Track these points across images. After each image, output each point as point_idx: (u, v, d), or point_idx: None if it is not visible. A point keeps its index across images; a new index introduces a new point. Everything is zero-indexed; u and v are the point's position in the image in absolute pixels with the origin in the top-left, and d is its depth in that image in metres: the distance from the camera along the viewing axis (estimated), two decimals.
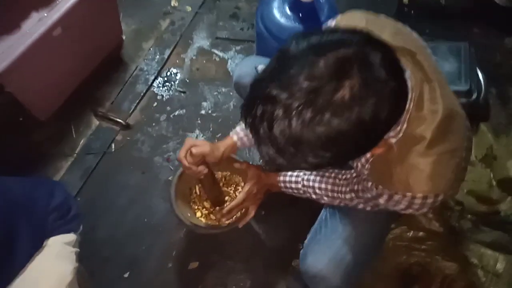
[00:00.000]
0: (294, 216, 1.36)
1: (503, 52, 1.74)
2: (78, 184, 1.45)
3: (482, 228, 1.28)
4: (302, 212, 1.37)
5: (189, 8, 1.86)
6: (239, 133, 1.04)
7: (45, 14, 1.32)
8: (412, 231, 1.22)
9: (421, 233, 1.21)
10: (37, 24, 1.29)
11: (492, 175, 1.40)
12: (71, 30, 1.38)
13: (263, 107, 0.53)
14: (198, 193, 1.31)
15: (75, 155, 1.51)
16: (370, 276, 1.12)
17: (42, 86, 1.44)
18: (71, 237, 0.93)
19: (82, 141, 1.54)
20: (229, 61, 1.73)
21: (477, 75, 1.51)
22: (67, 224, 0.93)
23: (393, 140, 0.67)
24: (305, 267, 0.94)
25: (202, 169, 1.01)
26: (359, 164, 0.79)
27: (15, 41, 1.25)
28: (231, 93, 1.64)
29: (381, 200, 0.77)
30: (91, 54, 1.61)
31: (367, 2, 1.47)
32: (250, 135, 1.02)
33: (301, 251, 0.99)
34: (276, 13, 1.27)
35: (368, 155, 0.75)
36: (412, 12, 1.84)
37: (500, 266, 1.13)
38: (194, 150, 0.98)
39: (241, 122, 1.05)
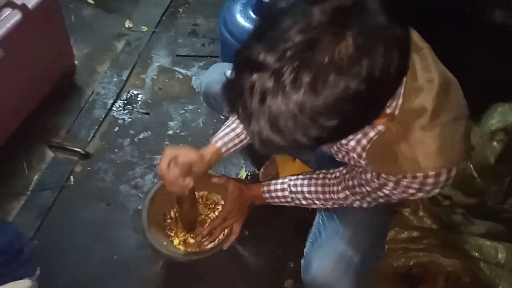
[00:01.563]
0: (280, 230, 1.27)
1: (453, 50, 1.79)
2: (34, 224, 1.27)
3: (474, 220, 1.24)
4: (288, 225, 1.28)
5: (145, 28, 1.78)
6: (223, 138, 0.93)
7: None
8: (406, 232, 1.15)
9: (415, 233, 1.15)
10: None
11: (472, 166, 1.38)
12: (14, 54, 1.25)
13: (250, 77, 0.44)
14: (173, 218, 1.18)
15: (28, 192, 1.34)
16: (371, 281, 1.03)
17: None
18: (25, 283, 0.78)
19: (36, 176, 1.38)
20: (193, 77, 1.65)
21: None
22: (17, 269, 0.78)
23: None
24: (311, 277, 0.84)
25: (190, 181, 0.85)
26: (354, 155, 0.72)
27: None
28: (199, 110, 1.55)
29: (386, 190, 0.70)
30: (40, 81, 1.47)
31: None
32: (234, 137, 0.92)
33: (302, 261, 0.90)
34: (240, 18, 1.22)
35: (364, 141, 0.68)
36: None
37: (501, 256, 1.08)
38: (180, 159, 0.84)
39: (223, 127, 0.95)
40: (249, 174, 1.40)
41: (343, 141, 0.72)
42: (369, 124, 0.54)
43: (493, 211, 1.29)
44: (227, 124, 0.95)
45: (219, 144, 0.92)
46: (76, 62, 1.64)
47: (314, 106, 0.43)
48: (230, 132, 0.93)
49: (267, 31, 0.45)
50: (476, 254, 1.11)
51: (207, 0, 1.90)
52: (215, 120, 1.51)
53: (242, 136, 0.93)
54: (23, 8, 1.22)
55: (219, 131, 0.94)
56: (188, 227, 1.12)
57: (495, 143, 1.37)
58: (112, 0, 1.87)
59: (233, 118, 0.95)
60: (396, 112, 0.61)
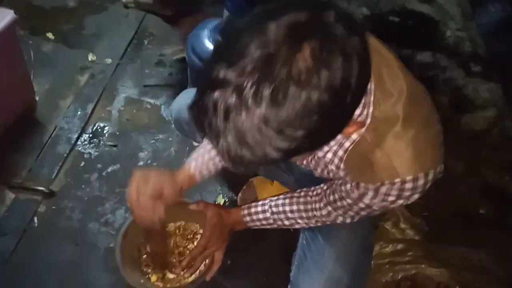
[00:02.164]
0: (264, 257, 1.22)
1: (417, 67, 1.89)
2: None
3: (453, 229, 1.25)
4: (272, 250, 1.24)
5: (109, 60, 1.74)
6: (197, 159, 0.90)
7: None
8: (390, 245, 1.14)
9: (399, 245, 1.14)
10: None
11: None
12: None
13: (213, 95, 0.44)
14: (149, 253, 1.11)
15: None
16: None
17: None
18: None
19: None
20: (162, 107, 1.62)
21: None
22: None
23: (362, 129, 0.62)
24: None
25: (160, 210, 0.82)
26: (333, 167, 0.71)
27: None
28: (170, 139, 1.51)
29: (366, 200, 0.69)
30: None
31: None
32: (207, 160, 0.90)
33: (289, 287, 0.86)
34: (208, 43, 1.22)
35: (341, 152, 0.68)
36: None
37: (485, 262, 1.09)
38: (151, 181, 0.80)
39: (197, 149, 0.92)
40: (226, 200, 1.36)
41: (320, 154, 0.72)
42: (340, 133, 0.53)
43: (471, 219, 1.31)
44: (200, 146, 0.93)
45: (192, 167, 0.89)
46: (37, 98, 1.57)
47: (278, 118, 0.44)
48: (204, 154, 0.90)
49: (227, 49, 0.46)
50: (460, 262, 1.11)
51: (172, 31, 1.90)
52: (187, 148, 1.47)
53: (217, 159, 0.91)
54: None
55: (192, 155, 0.92)
56: (160, 263, 1.05)
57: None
58: (73, 35, 1.83)
59: (206, 142, 0.93)
60: (368, 121, 0.62)
